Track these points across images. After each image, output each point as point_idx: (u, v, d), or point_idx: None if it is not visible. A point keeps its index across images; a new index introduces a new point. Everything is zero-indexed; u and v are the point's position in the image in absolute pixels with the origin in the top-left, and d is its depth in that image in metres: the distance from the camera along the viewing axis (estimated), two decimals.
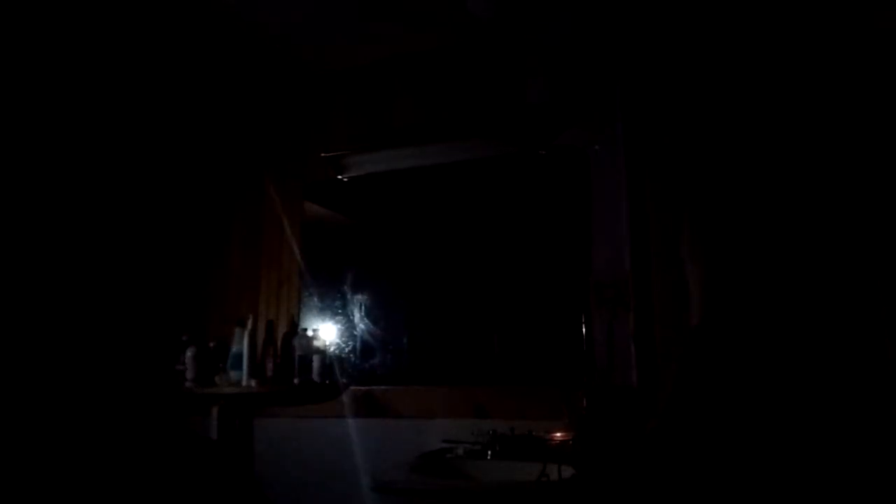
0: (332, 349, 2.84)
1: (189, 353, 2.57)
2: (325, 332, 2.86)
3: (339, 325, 2.92)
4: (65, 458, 0.79)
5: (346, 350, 2.89)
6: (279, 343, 2.71)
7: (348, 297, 2.93)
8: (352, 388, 2.79)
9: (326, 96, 3.09)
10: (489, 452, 2.36)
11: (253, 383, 2.51)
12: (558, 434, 2.27)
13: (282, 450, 2.78)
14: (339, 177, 2.97)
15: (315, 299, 2.97)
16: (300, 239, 3.03)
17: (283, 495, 2.71)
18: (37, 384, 0.79)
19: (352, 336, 2.90)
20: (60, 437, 0.80)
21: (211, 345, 2.67)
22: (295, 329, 2.78)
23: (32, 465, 0.79)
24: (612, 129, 2.49)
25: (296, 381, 2.63)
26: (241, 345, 2.55)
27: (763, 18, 0.91)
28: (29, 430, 0.79)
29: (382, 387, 2.79)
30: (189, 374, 2.55)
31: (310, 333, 2.74)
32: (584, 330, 2.52)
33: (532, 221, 2.71)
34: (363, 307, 2.91)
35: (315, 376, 2.67)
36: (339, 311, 2.93)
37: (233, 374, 2.55)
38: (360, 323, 2.90)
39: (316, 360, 2.68)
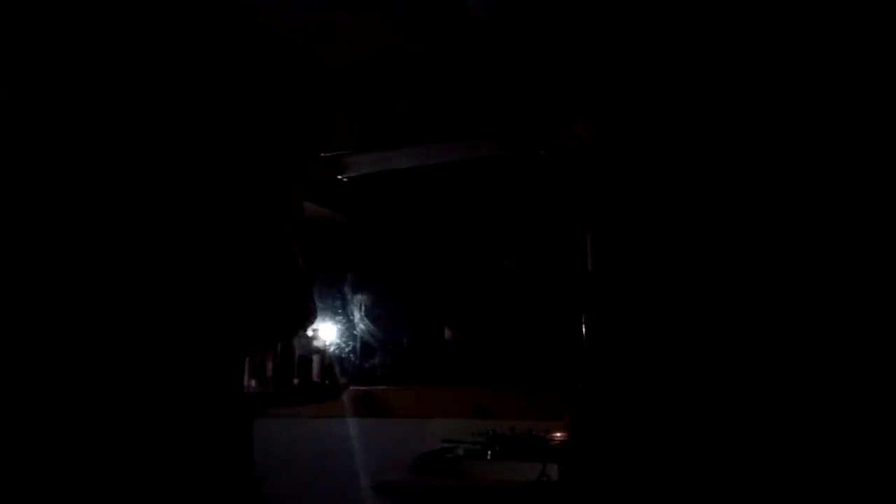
0: (332, 349, 2.84)
1: None
2: (325, 332, 2.86)
3: (339, 325, 2.92)
4: (66, 457, 0.79)
5: (346, 350, 2.89)
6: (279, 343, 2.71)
7: (348, 297, 2.93)
8: (352, 388, 2.79)
9: (326, 96, 3.09)
10: (489, 452, 2.36)
11: (253, 383, 2.52)
12: (558, 434, 2.27)
13: (282, 450, 2.78)
14: (339, 177, 2.98)
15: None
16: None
17: (283, 495, 2.71)
18: (39, 384, 0.80)
19: (352, 336, 2.90)
20: (62, 435, 0.80)
21: None
22: None
23: (32, 465, 0.79)
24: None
25: (296, 381, 2.63)
26: None
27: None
28: (30, 428, 0.80)
29: (382, 387, 2.79)
30: None
31: (310, 333, 2.74)
32: (583, 329, 2.51)
33: (532, 221, 2.71)
34: (363, 307, 2.91)
35: (315, 376, 2.67)
36: (339, 311, 2.93)
37: None
38: (360, 323, 2.90)
39: (316, 360, 2.68)
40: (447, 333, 2.79)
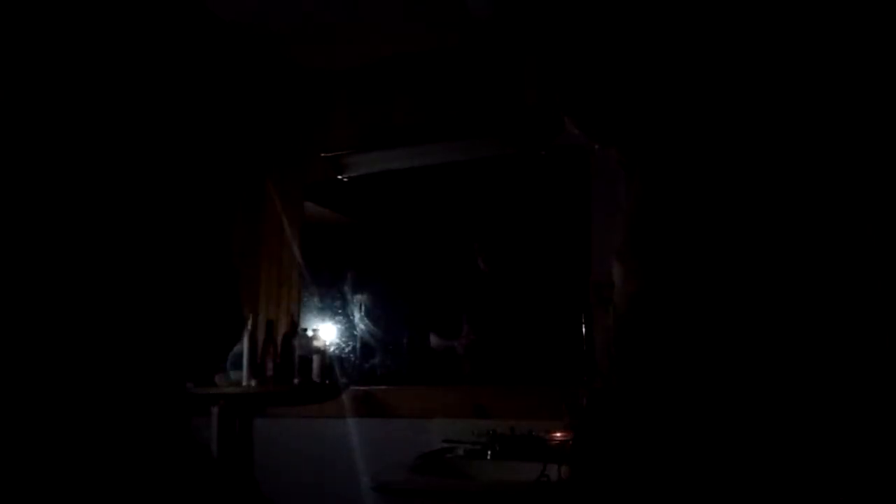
0: (332, 349, 2.84)
1: None
2: (325, 332, 2.86)
3: (339, 325, 2.92)
4: (63, 458, 0.79)
5: (346, 350, 2.89)
6: (279, 343, 2.71)
7: (348, 297, 2.93)
8: (352, 388, 2.78)
9: (326, 96, 3.09)
10: (489, 452, 2.36)
11: (253, 383, 2.51)
12: (558, 434, 2.27)
13: (282, 450, 2.78)
14: (339, 177, 2.97)
15: (315, 299, 2.97)
16: (300, 239, 3.03)
17: (283, 495, 2.71)
18: (37, 384, 0.80)
19: (352, 336, 2.90)
20: (60, 437, 0.80)
21: None
22: (295, 329, 2.78)
23: (31, 466, 0.79)
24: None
25: (296, 381, 2.63)
26: (242, 345, 2.56)
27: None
28: (28, 430, 0.79)
29: (382, 387, 2.79)
30: None
31: (310, 333, 2.74)
32: (583, 329, 2.51)
33: (532, 221, 2.71)
34: (363, 307, 2.91)
35: (315, 376, 2.67)
36: (339, 311, 2.93)
37: (233, 374, 2.55)
38: (360, 323, 2.90)
39: (316, 360, 2.68)
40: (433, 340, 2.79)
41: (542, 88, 2.57)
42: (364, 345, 2.88)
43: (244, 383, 2.52)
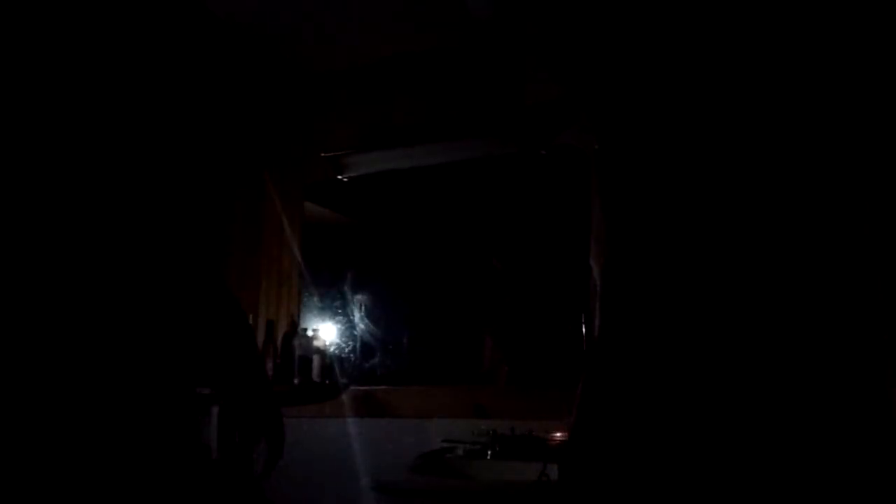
0: (332, 349, 2.84)
1: None
2: (325, 332, 2.86)
3: (339, 325, 2.92)
4: (64, 459, 0.79)
5: (346, 350, 2.89)
6: (279, 343, 2.71)
7: (348, 297, 2.93)
8: (352, 388, 2.78)
9: (326, 96, 3.09)
10: (489, 452, 2.36)
11: None
12: (558, 434, 2.27)
13: None
14: (339, 177, 2.97)
15: (315, 299, 2.97)
16: (300, 239, 3.03)
17: (283, 495, 2.72)
18: (35, 385, 0.80)
19: (352, 336, 2.90)
20: (60, 438, 0.80)
21: None
22: (295, 329, 2.78)
23: (31, 467, 0.79)
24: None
25: (296, 381, 2.63)
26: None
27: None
28: (27, 431, 0.80)
29: (382, 387, 2.79)
30: None
31: (310, 333, 2.74)
32: (583, 329, 2.51)
33: (532, 221, 2.71)
34: (363, 307, 2.91)
35: (315, 376, 2.67)
36: (339, 311, 2.93)
37: None
38: (360, 323, 2.90)
39: (316, 360, 2.68)
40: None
41: (545, 86, 2.57)
42: (364, 345, 2.88)
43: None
